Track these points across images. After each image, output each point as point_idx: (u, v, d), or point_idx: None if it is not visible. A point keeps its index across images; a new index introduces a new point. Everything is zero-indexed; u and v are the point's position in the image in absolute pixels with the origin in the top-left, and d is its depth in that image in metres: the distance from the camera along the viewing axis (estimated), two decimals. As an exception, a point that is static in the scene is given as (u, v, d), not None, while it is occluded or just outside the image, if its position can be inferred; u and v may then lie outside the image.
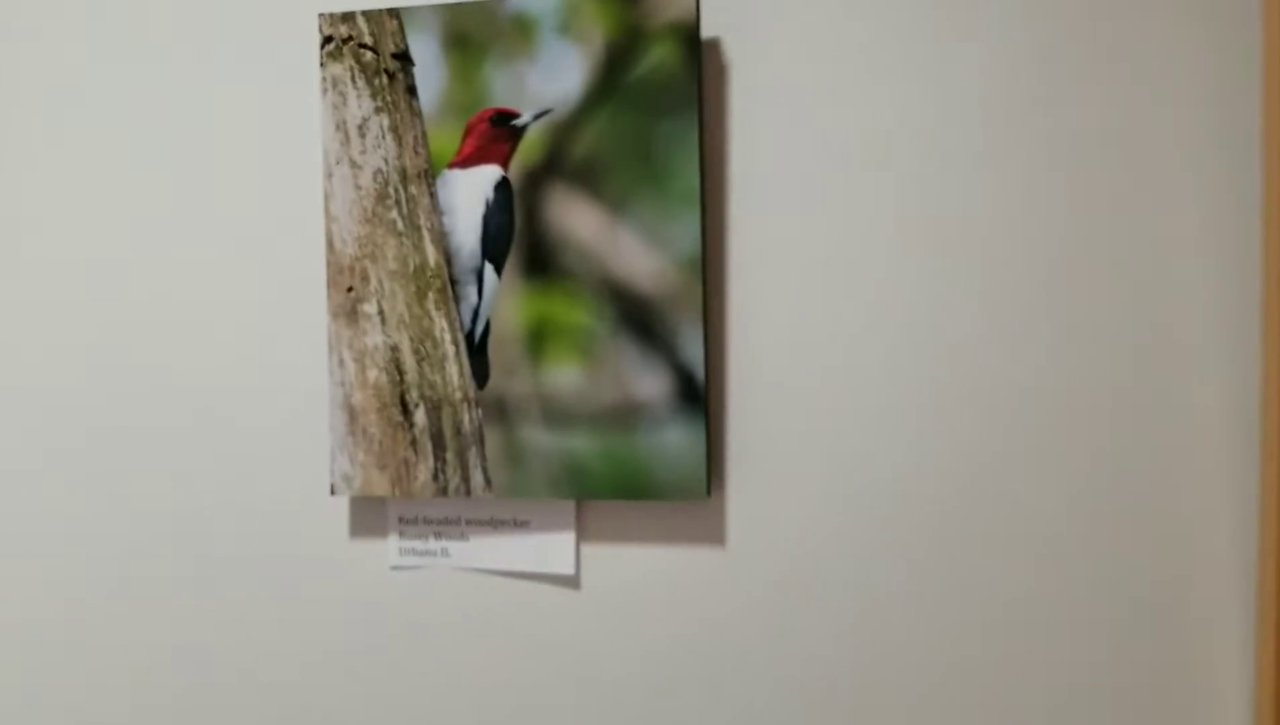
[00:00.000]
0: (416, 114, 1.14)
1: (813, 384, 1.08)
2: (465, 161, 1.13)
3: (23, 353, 1.26)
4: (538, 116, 1.11)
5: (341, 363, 1.15)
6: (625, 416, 1.10)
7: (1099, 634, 1.02)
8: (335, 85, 1.15)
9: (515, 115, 1.11)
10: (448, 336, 1.13)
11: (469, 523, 1.17)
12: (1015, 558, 1.04)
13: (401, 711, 1.18)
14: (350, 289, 1.14)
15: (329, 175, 1.15)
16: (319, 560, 1.20)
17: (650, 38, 1.08)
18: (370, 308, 1.14)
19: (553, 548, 1.14)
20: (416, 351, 1.14)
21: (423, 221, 1.14)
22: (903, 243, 1.06)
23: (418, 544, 1.18)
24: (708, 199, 1.09)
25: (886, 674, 1.07)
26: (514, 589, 1.15)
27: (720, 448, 1.10)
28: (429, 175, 1.14)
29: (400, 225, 1.14)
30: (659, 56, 1.08)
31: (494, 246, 1.12)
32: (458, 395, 1.13)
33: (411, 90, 1.14)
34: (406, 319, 1.14)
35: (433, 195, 1.14)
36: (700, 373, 1.08)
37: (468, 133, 1.13)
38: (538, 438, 1.12)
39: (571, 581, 1.14)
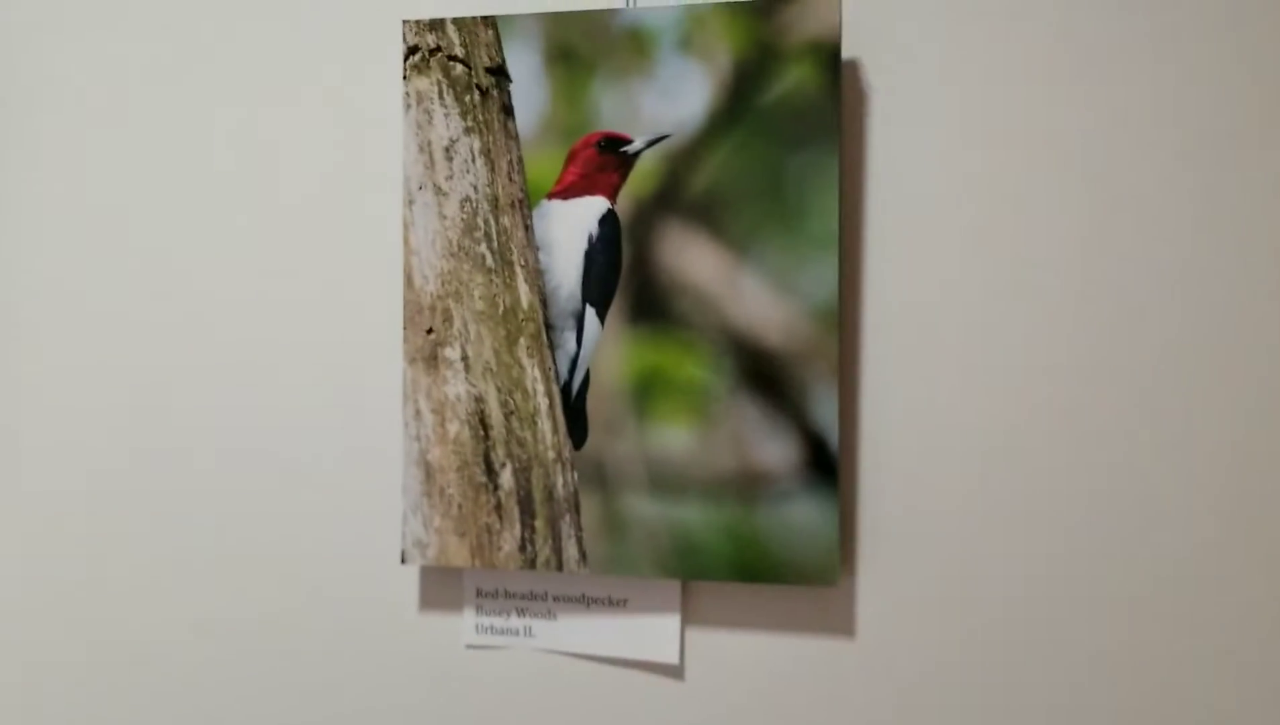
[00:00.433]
0: (512, 136, 1.01)
1: (958, 455, 0.95)
2: (567, 191, 1.00)
3: (72, 401, 1.13)
4: (652, 143, 0.97)
5: (418, 414, 1.01)
6: (744, 487, 0.96)
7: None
8: (420, 102, 1.02)
9: (626, 141, 0.98)
10: (541, 388, 1.00)
11: (557, 599, 1.03)
12: (1183, 659, 0.90)
13: (474, 811, 1.04)
14: (430, 331, 1.01)
15: (410, 202, 1.01)
16: (382, 634, 1.06)
17: (786, 57, 0.95)
18: (453, 353, 1.01)
19: (654, 632, 1.01)
20: (504, 404, 1.00)
21: (516, 257, 1.00)
22: (1065, 297, 0.93)
23: (497, 621, 1.04)
24: (843, 241, 0.96)
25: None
26: (607, 676, 1.02)
27: (851, 525, 0.96)
28: (524, 205, 1.01)
29: (490, 261, 1.00)
30: (795, 78, 0.94)
31: (597, 288, 0.99)
32: (550, 455, 0.99)
33: (507, 110, 1.01)
34: (494, 367, 1.00)
35: (528, 228, 1.01)
36: (834, 439, 0.95)
37: (571, 159, 1.00)
38: (642, 507, 0.98)
39: (674, 671, 1.00)
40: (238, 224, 1.09)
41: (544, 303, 1.01)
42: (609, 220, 0.99)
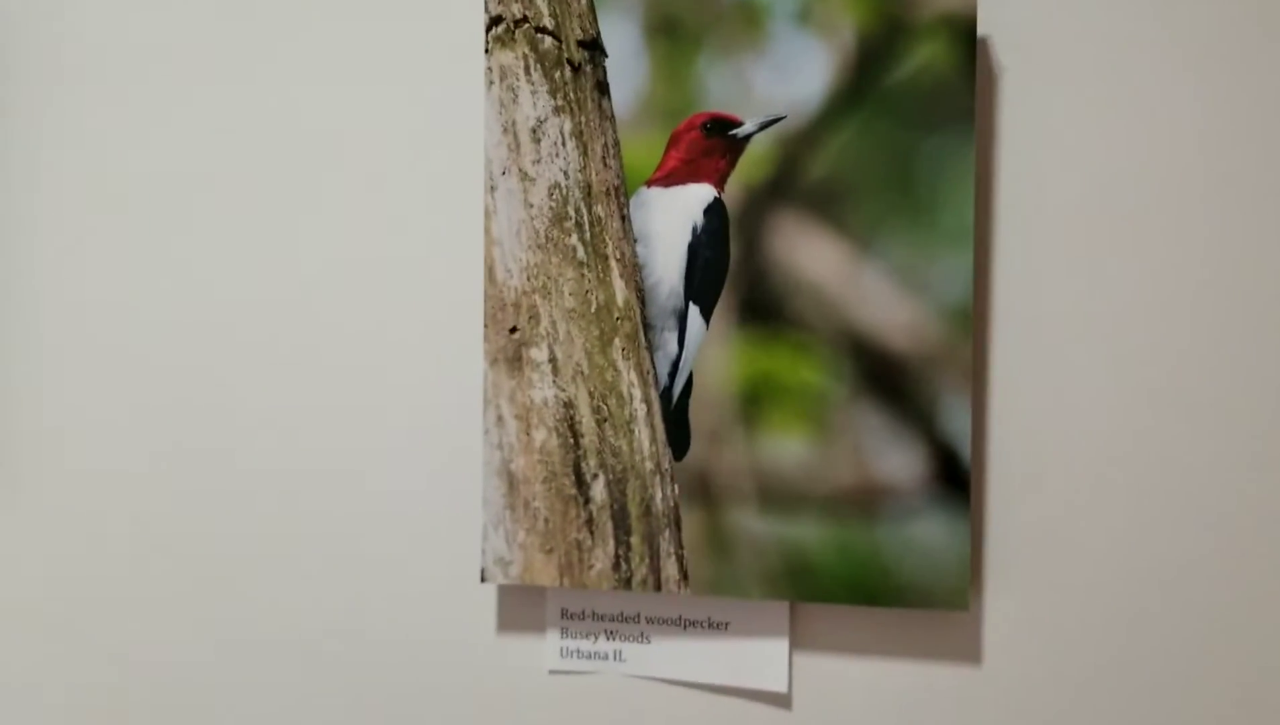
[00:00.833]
0: (607, 117, 0.92)
1: (1095, 468, 0.87)
2: (668, 178, 0.91)
3: (119, 409, 1.03)
4: (765, 125, 0.89)
5: (500, 420, 0.93)
6: (864, 502, 0.88)
7: None
8: (504, 78, 0.92)
9: (736, 123, 0.89)
10: (638, 393, 0.91)
11: (651, 621, 0.95)
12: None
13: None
14: (514, 330, 0.92)
15: (491, 189, 0.92)
16: (457, 659, 0.98)
17: (916, 33, 0.86)
18: (539, 354, 0.92)
19: (759, 657, 0.93)
20: (597, 410, 0.91)
21: (610, 250, 0.91)
22: (1219, 298, 0.85)
23: (584, 644, 0.96)
24: (976, 235, 0.87)
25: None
26: (706, 705, 0.94)
27: (978, 544, 0.89)
28: (621, 193, 0.92)
29: (581, 253, 0.91)
30: (926, 56, 0.86)
31: (701, 284, 0.91)
32: (648, 466, 0.91)
33: (602, 87, 0.92)
34: (585, 369, 0.91)
35: (625, 218, 0.92)
36: (965, 451, 0.87)
37: (673, 143, 0.91)
38: (750, 523, 0.90)
39: (782, 700, 0.93)
40: (302, 213, 0.99)
41: (642, 300, 0.92)
42: (715, 210, 0.90)
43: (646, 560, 0.91)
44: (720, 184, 0.90)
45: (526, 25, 0.92)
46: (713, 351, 0.91)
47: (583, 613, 0.96)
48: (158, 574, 1.03)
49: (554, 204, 0.92)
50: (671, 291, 0.91)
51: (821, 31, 0.88)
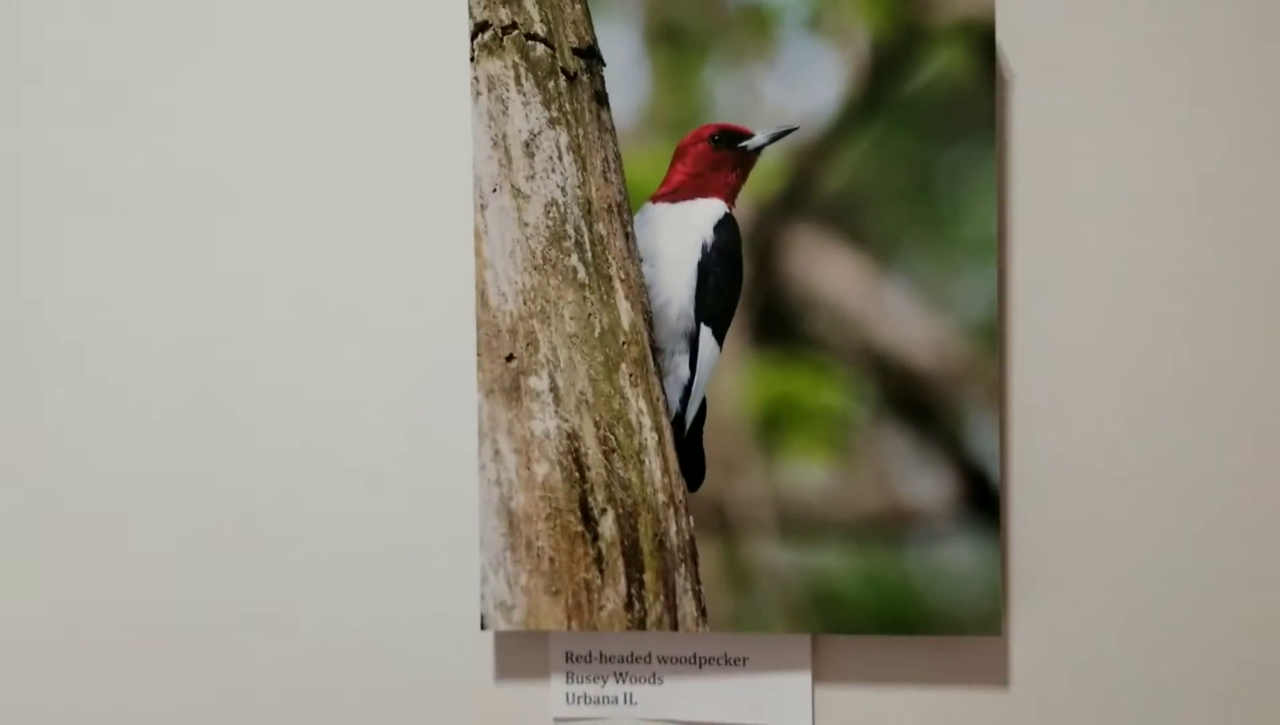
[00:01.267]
0: (607, 129, 0.87)
1: (1123, 488, 0.85)
2: (675, 193, 0.86)
3: (102, 440, 0.94)
4: (777, 136, 0.85)
5: (497, 454, 0.86)
6: (890, 528, 0.85)
7: None
8: (492, 88, 0.86)
9: (746, 135, 0.85)
10: (648, 422, 0.86)
11: (664, 660, 0.90)
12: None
13: None
14: (511, 358, 0.86)
15: (482, 207, 0.86)
16: (454, 709, 0.91)
17: (932, 39, 0.83)
18: (539, 383, 0.86)
19: (780, 694, 0.88)
20: (604, 441, 0.86)
21: (614, 270, 0.86)
22: (1245, 307, 0.84)
23: (592, 689, 0.90)
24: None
25: None
26: (725, 747, 0.89)
27: (1004, 566, 0.86)
28: (624, 209, 0.87)
29: (583, 274, 0.86)
30: (944, 63, 0.83)
31: (713, 304, 0.86)
32: (661, 498, 0.86)
33: (600, 98, 0.86)
34: (590, 398, 0.86)
35: (629, 236, 0.87)
36: (994, 472, 0.84)
37: (679, 156, 0.86)
38: (771, 555, 0.86)
39: (805, 737, 0.88)
40: (273, 237, 0.91)
41: (649, 323, 0.87)
42: (726, 226, 0.86)
43: (661, 598, 0.86)
44: (730, 199, 0.86)
45: (516, 32, 0.86)
46: (727, 375, 0.86)
47: (589, 655, 0.90)
48: (147, 629, 0.93)
49: (551, 222, 0.86)
50: (681, 312, 0.86)
51: (834, 38, 0.84)
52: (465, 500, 0.89)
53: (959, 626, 0.84)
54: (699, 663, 0.89)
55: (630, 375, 0.86)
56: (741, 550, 0.86)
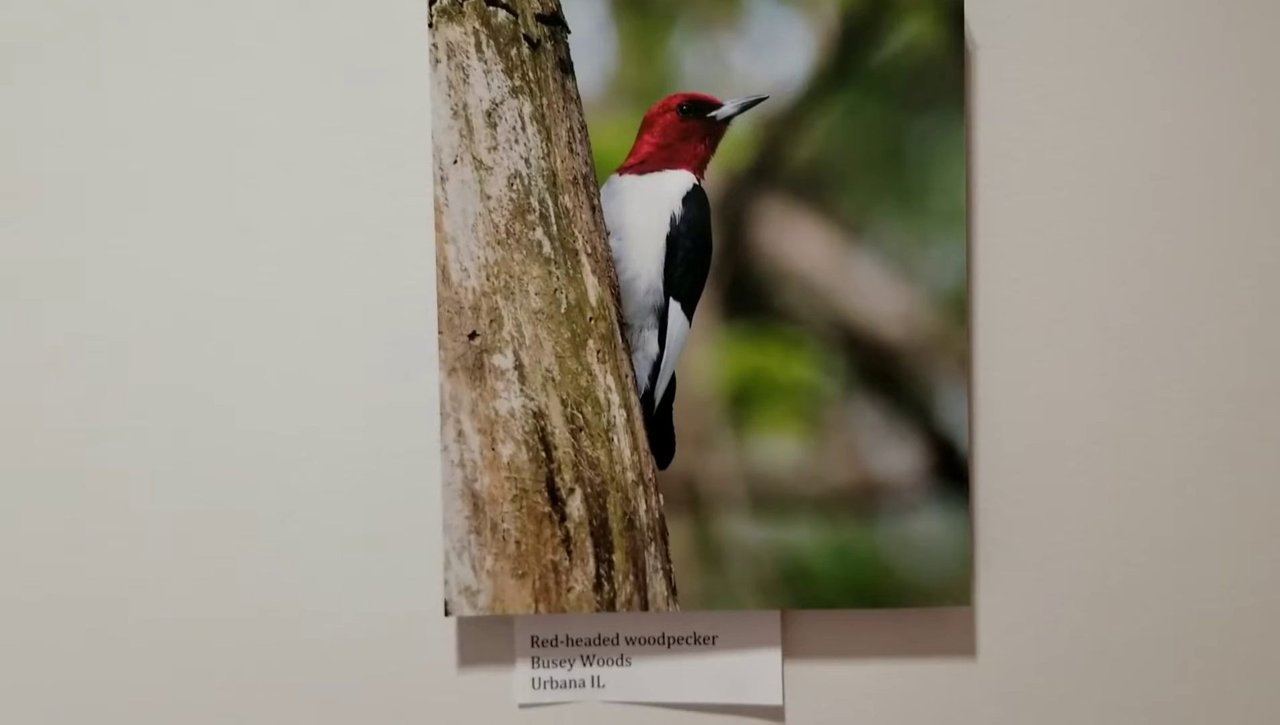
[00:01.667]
0: (572, 99, 0.84)
1: (1086, 459, 0.86)
2: (643, 165, 0.84)
3: (48, 433, 0.88)
4: (746, 106, 0.83)
5: (461, 435, 0.84)
6: (862, 501, 0.85)
7: None
8: (451, 56, 0.83)
9: (715, 104, 0.83)
10: (616, 399, 0.84)
11: (631, 642, 0.88)
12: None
13: None
14: (474, 335, 0.83)
15: (442, 180, 0.83)
16: (416, 698, 0.88)
17: (902, 8, 0.82)
18: (504, 361, 0.83)
19: (750, 671, 0.88)
20: (571, 419, 0.84)
21: (581, 244, 0.84)
22: (1204, 282, 0.85)
23: (558, 673, 0.88)
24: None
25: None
26: (696, 726, 0.88)
27: (971, 537, 0.86)
28: (590, 182, 0.84)
29: (548, 249, 0.83)
30: (913, 33, 0.82)
31: (682, 279, 0.84)
32: (630, 477, 0.84)
33: (565, 66, 0.84)
34: (556, 376, 0.84)
35: (595, 209, 0.85)
36: (963, 442, 0.84)
37: (646, 126, 0.84)
38: (742, 531, 0.85)
39: (775, 713, 0.88)
40: (221, 211, 0.86)
41: (617, 298, 0.85)
42: (695, 198, 0.84)
43: (631, 578, 0.85)
44: (699, 170, 0.84)
45: (476, -3, 0.83)
46: (697, 350, 0.85)
47: (555, 638, 0.88)
48: (93, 618, 0.88)
49: (515, 195, 0.83)
50: (650, 287, 0.84)
51: (802, 7, 0.83)
52: (427, 483, 0.86)
53: (929, 597, 0.84)
54: (667, 643, 0.88)
55: (598, 352, 0.84)
56: (712, 527, 0.85)
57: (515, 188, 0.83)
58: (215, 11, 0.86)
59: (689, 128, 0.83)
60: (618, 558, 0.85)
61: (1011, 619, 0.87)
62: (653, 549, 0.85)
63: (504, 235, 0.83)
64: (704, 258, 0.84)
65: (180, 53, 0.86)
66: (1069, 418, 0.85)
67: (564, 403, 0.84)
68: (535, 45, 0.83)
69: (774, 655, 0.87)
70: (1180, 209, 0.85)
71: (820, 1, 0.83)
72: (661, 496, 0.85)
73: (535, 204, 0.83)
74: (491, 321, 0.83)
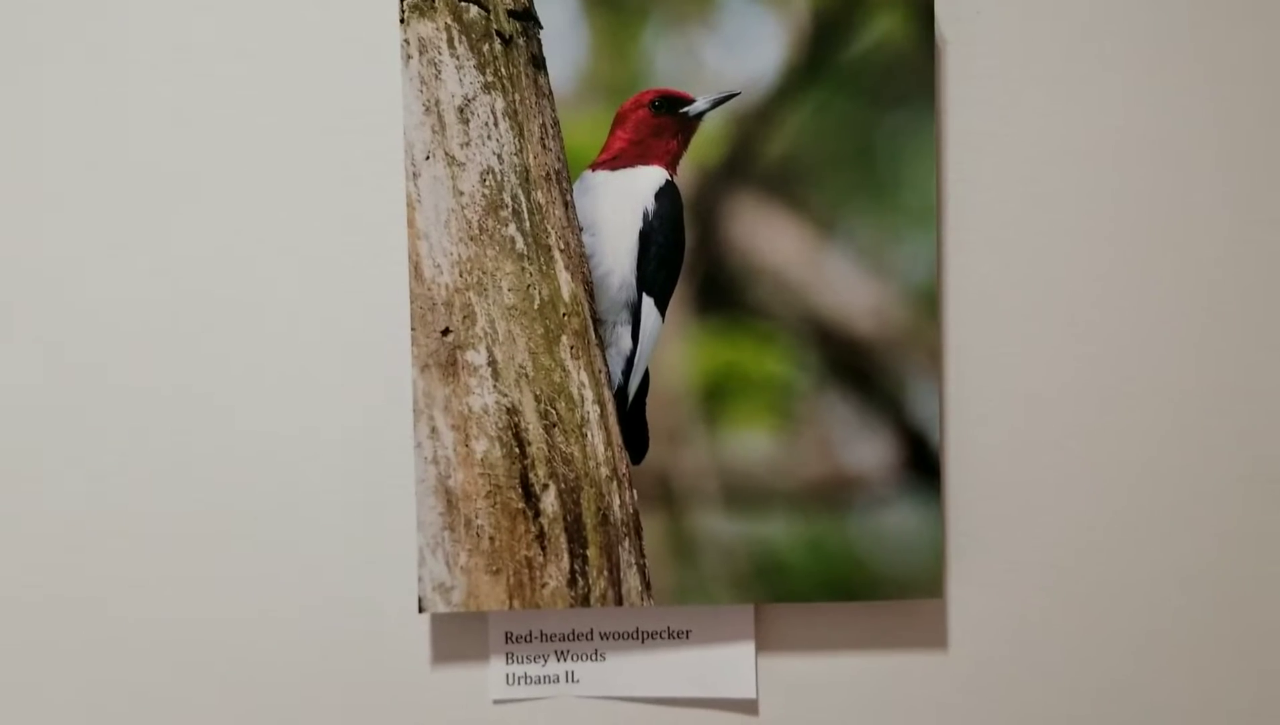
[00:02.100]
0: (545, 95, 0.84)
1: (1054, 452, 0.87)
2: (615, 160, 0.85)
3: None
4: (718, 102, 0.84)
5: (434, 432, 0.84)
6: (834, 495, 0.85)
7: None
8: (424, 51, 0.83)
9: (687, 100, 0.84)
10: (590, 394, 0.85)
11: (606, 637, 0.88)
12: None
13: None
14: (447, 332, 0.83)
15: (414, 176, 0.83)
16: (390, 695, 0.88)
17: (873, 5, 0.83)
18: (477, 357, 0.83)
19: (724, 665, 0.88)
20: (545, 415, 0.84)
21: (554, 240, 0.84)
22: (1174, 274, 0.86)
23: (533, 669, 0.88)
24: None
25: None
26: (670, 720, 0.89)
27: (943, 530, 0.87)
28: (563, 177, 0.85)
29: (521, 245, 0.83)
30: (884, 30, 0.83)
31: (655, 274, 0.85)
32: (604, 472, 0.85)
33: (537, 62, 0.84)
34: (530, 372, 0.84)
35: (568, 205, 0.85)
36: (934, 436, 0.85)
37: (619, 122, 0.84)
38: (715, 526, 0.85)
39: (749, 706, 0.88)
40: (200, 207, 0.86)
41: (590, 294, 0.85)
42: (667, 194, 0.85)
43: (605, 573, 0.85)
44: (672, 166, 0.84)
45: (447, -8, 0.83)
46: (670, 345, 0.85)
47: (529, 634, 0.88)
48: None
49: (487, 191, 0.83)
50: (623, 283, 0.84)
51: (774, 4, 0.83)
52: (401, 479, 0.86)
53: (901, 590, 0.85)
54: (642, 638, 0.88)
55: (571, 347, 0.84)
56: (685, 522, 0.85)
57: (488, 184, 0.83)
58: (186, 8, 0.85)
59: (661, 124, 0.84)
60: (592, 553, 0.85)
61: (982, 611, 0.88)
62: (627, 544, 0.85)
63: (477, 231, 0.83)
64: (677, 253, 0.84)
65: (152, 50, 0.85)
66: (1039, 412, 0.86)
67: (537, 399, 0.84)
68: (508, 41, 0.83)
69: (747, 649, 0.88)
70: (1149, 204, 0.86)
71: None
72: (635, 492, 0.85)
73: (508, 200, 0.83)
74: (464, 317, 0.83)
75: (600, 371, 0.85)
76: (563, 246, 0.84)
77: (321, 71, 0.85)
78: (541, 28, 0.83)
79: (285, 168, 0.85)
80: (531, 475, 0.84)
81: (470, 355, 0.83)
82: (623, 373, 0.85)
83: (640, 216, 0.84)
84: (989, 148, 0.86)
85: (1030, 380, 0.86)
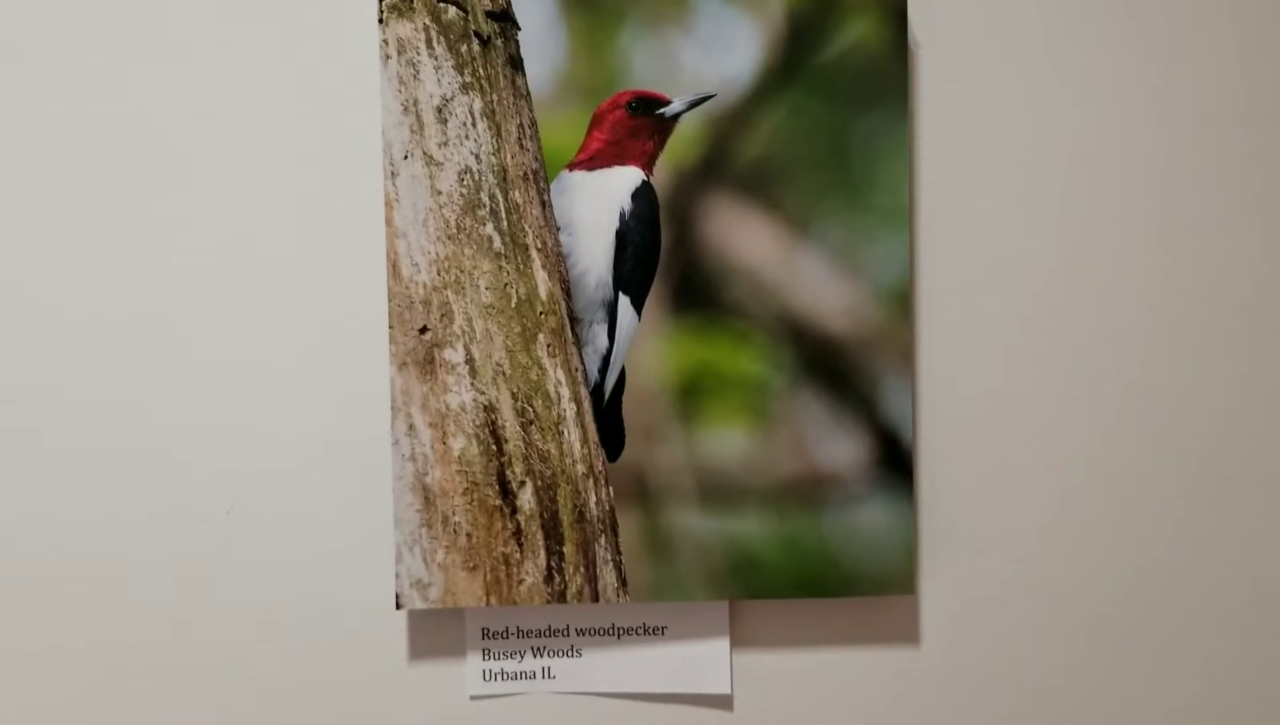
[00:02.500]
0: (522, 95, 0.85)
1: (1029, 450, 0.88)
2: (592, 161, 0.85)
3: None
4: (694, 104, 0.85)
5: (412, 429, 0.84)
6: (809, 492, 0.86)
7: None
8: (402, 51, 0.84)
9: (663, 101, 0.85)
10: (566, 392, 0.85)
11: (582, 633, 0.89)
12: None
13: None
14: (424, 330, 0.84)
15: (392, 175, 0.83)
16: (367, 691, 0.88)
17: (847, 8, 0.84)
18: (454, 355, 0.84)
19: (699, 661, 0.89)
20: (522, 413, 0.85)
21: (531, 239, 0.85)
22: (1146, 274, 0.88)
23: (509, 665, 0.89)
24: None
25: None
26: (645, 715, 0.89)
27: (915, 527, 0.88)
28: (540, 177, 0.85)
29: (498, 244, 0.84)
30: (858, 33, 0.84)
31: (631, 273, 0.85)
32: (580, 469, 0.85)
33: (515, 63, 0.85)
34: (507, 370, 0.84)
35: (545, 204, 0.85)
36: (906, 434, 0.86)
37: (596, 123, 0.85)
38: (691, 523, 0.86)
39: (724, 702, 0.89)
40: (180, 205, 0.86)
41: (567, 292, 0.86)
42: (644, 194, 0.85)
43: (582, 570, 0.86)
44: (648, 166, 0.85)
45: (426, -7, 0.83)
46: (646, 344, 0.86)
47: (506, 631, 0.89)
48: (38, 613, 0.88)
49: (465, 190, 0.84)
50: (599, 282, 0.85)
51: (750, 7, 0.84)
52: (378, 477, 0.86)
53: (875, 586, 0.86)
54: (618, 633, 0.89)
55: (548, 346, 0.85)
56: (661, 519, 0.86)
57: (466, 183, 0.84)
58: (164, 8, 0.85)
59: (638, 124, 0.84)
60: (568, 550, 0.85)
61: (954, 607, 0.89)
62: (603, 541, 0.86)
63: (454, 230, 0.84)
64: (653, 253, 0.85)
65: (127, 49, 0.85)
66: (1009, 410, 0.87)
67: (514, 396, 0.84)
68: (486, 42, 0.84)
69: (722, 645, 0.88)
70: (1120, 205, 0.87)
71: (767, 1, 0.84)
72: (611, 489, 0.86)
73: (486, 199, 0.84)
74: (442, 316, 0.84)
75: (577, 369, 0.86)
76: (540, 246, 0.85)
77: (300, 71, 0.85)
78: (519, 29, 0.84)
79: (264, 167, 0.86)
80: (508, 472, 0.85)
81: (448, 353, 0.84)
82: (599, 371, 0.86)
83: (617, 216, 0.85)
84: (961, 150, 0.87)
85: (1000, 379, 0.87)
